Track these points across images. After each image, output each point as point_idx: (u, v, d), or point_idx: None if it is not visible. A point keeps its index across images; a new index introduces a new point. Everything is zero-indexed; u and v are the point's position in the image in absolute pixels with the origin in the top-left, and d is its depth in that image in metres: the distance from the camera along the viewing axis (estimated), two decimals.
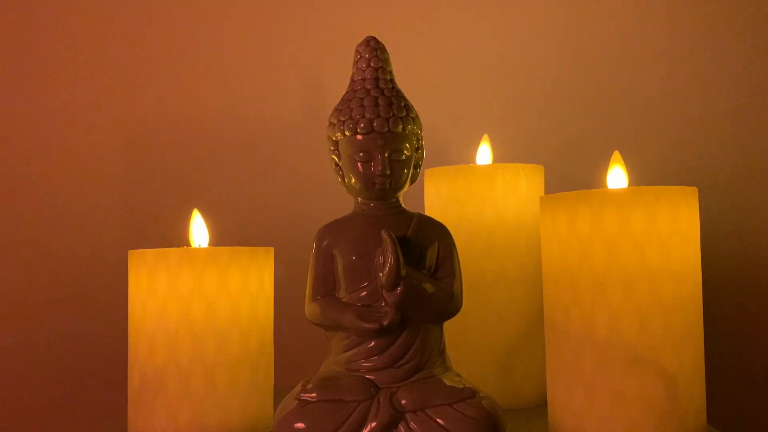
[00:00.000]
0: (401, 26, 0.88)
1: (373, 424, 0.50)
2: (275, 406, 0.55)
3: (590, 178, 0.67)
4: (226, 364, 0.57)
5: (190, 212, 0.65)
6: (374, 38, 0.57)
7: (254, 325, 0.59)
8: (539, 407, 0.65)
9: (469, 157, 0.75)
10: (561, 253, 0.55)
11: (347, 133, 0.55)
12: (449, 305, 0.55)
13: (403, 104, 0.55)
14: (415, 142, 0.56)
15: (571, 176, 0.79)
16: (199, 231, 0.64)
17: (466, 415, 0.49)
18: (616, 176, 0.59)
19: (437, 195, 0.69)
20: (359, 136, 0.54)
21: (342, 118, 0.55)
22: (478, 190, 0.67)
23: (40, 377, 0.85)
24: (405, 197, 0.57)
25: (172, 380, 0.57)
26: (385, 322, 0.52)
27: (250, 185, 0.87)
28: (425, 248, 0.55)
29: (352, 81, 0.57)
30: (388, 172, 0.54)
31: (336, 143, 0.56)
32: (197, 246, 0.63)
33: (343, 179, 0.57)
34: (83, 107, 0.88)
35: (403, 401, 0.51)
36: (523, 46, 0.87)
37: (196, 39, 0.89)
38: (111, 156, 0.88)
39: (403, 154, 0.55)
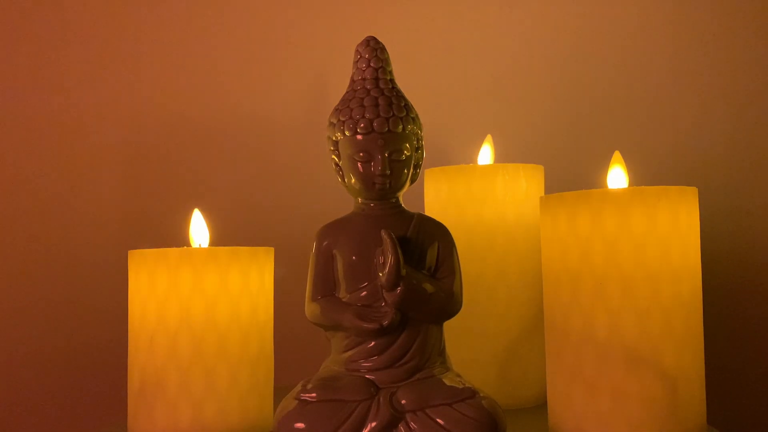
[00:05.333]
0: (401, 26, 0.88)
1: (373, 424, 0.50)
2: (275, 406, 0.55)
3: (590, 178, 0.67)
4: (226, 364, 0.57)
5: (191, 212, 0.65)
6: (374, 38, 0.57)
7: (254, 325, 0.59)
8: (539, 407, 0.65)
9: (469, 157, 0.75)
10: (561, 253, 0.55)
11: (347, 133, 0.55)
12: (449, 305, 0.55)
13: (403, 104, 0.55)
14: (415, 142, 0.56)
15: (571, 176, 0.79)
16: (199, 231, 0.64)
17: (466, 415, 0.49)
18: (617, 176, 0.59)
19: (437, 195, 0.69)
20: (359, 136, 0.55)
21: (342, 118, 0.55)
22: (478, 190, 0.67)
23: (40, 377, 0.85)
24: (405, 197, 0.57)
25: (172, 380, 0.57)
26: (385, 322, 0.52)
27: (250, 185, 0.87)
28: (425, 248, 0.55)
29: (352, 81, 0.57)
30: (388, 172, 0.54)
31: (336, 143, 0.56)
32: (197, 246, 0.63)
33: (343, 179, 0.57)
34: (83, 107, 0.88)
35: (403, 401, 0.51)
36: (524, 46, 0.87)
37: (197, 39, 0.89)
38: (111, 156, 0.88)
39: (403, 154, 0.55)
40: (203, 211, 0.65)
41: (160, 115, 0.88)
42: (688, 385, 0.53)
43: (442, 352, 0.56)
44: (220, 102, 0.88)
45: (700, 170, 0.84)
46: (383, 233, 0.53)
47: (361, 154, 0.55)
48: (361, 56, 0.57)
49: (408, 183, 0.57)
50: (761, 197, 0.85)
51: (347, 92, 0.57)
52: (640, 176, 0.65)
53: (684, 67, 0.86)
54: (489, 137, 0.73)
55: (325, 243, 0.56)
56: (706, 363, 0.55)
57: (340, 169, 0.57)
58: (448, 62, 0.88)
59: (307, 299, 0.56)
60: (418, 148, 0.57)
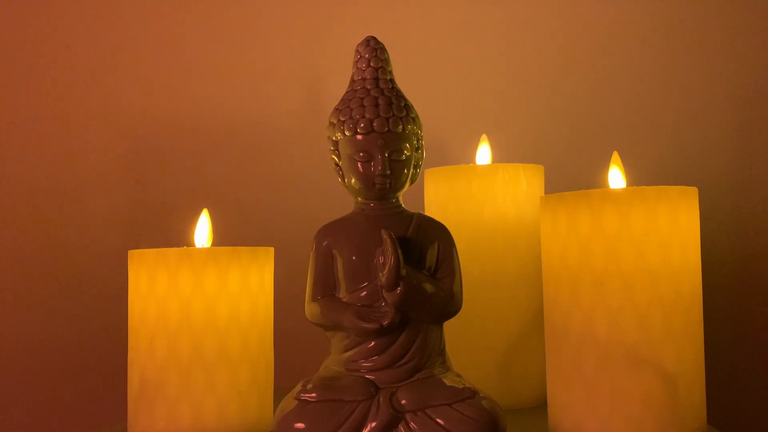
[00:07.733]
0: (401, 26, 0.88)
1: (373, 424, 0.50)
2: (275, 406, 0.55)
3: (590, 178, 0.67)
4: (226, 364, 0.57)
5: (190, 212, 0.65)
6: (374, 38, 0.57)
7: (254, 325, 0.59)
8: (539, 407, 0.65)
9: (468, 157, 0.75)
10: (561, 253, 0.55)
11: (347, 133, 0.55)
12: (449, 305, 0.55)
13: (402, 104, 0.55)
14: (414, 142, 0.56)
15: (571, 176, 0.79)
16: (202, 231, 0.64)
17: (466, 415, 0.49)
18: (616, 176, 0.59)
19: (437, 195, 0.69)
20: (359, 136, 0.55)
21: (342, 118, 0.55)
22: (477, 190, 0.67)
23: (40, 377, 0.85)
24: (405, 197, 0.57)
25: (172, 380, 0.57)
26: (385, 322, 0.52)
27: (251, 185, 0.87)
28: (425, 248, 0.55)
29: (352, 81, 0.57)
30: (388, 172, 0.54)
31: (336, 143, 0.56)
32: (199, 246, 0.63)
33: (343, 179, 0.57)
34: (84, 107, 0.88)
35: (403, 401, 0.51)
36: (523, 46, 0.87)
37: (198, 39, 0.89)
38: (112, 156, 0.88)
39: (403, 154, 0.55)
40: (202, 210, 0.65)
41: (161, 116, 0.88)
42: (688, 385, 0.53)
43: (442, 352, 0.56)
44: (221, 102, 0.88)
45: (700, 170, 0.84)
46: (383, 233, 0.53)
47: (361, 154, 0.55)
48: (361, 56, 0.57)
49: (408, 183, 0.57)
50: (761, 197, 0.85)
51: (347, 92, 0.57)
52: (639, 176, 0.65)
53: (683, 66, 0.86)
54: (484, 137, 0.73)
55: (324, 243, 0.56)
56: (706, 363, 0.55)
57: (340, 169, 0.57)
58: (448, 62, 0.88)
59: (307, 299, 0.56)
60: (418, 148, 0.57)
